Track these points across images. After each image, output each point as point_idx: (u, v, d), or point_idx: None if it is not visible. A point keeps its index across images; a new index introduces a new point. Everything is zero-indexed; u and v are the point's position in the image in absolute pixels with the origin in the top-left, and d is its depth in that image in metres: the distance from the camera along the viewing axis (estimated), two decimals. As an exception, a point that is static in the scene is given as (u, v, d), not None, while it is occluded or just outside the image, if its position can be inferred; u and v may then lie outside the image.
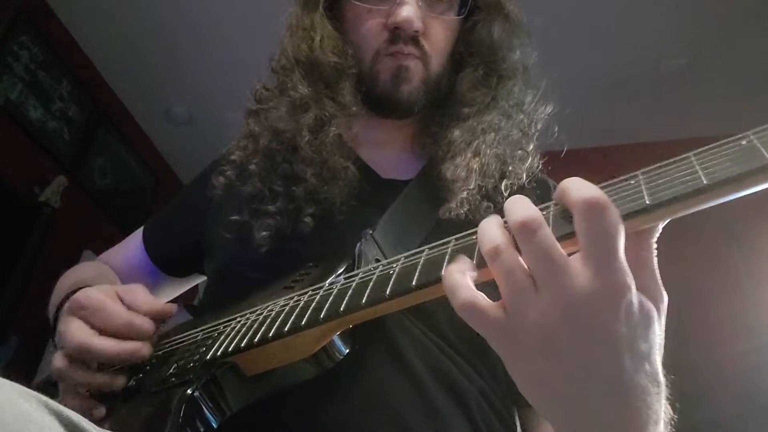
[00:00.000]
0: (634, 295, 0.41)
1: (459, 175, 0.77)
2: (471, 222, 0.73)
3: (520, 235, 0.42)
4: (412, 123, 0.89)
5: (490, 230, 0.44)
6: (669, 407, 0.48)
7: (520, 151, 0.83)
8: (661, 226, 0.44)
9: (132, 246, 1.01)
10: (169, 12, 2.80)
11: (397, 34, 0.80)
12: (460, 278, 0.44)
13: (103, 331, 0.64)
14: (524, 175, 0.81)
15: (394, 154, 0.89)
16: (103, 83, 3.22)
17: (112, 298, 0.67)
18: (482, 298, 0.43)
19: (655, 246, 0.45)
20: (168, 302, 0.71)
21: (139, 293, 0.69)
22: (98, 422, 0.54)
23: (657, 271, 0.44)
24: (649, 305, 0.43)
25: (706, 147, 0.42)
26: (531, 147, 0.85)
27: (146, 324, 0.66)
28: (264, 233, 0.77)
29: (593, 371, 0.41)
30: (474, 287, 0.43)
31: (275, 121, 0.85)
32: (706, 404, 2.55)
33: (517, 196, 0.45)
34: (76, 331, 0.64)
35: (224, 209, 0.84)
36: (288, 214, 0.78)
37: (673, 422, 0.49)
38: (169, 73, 3.14)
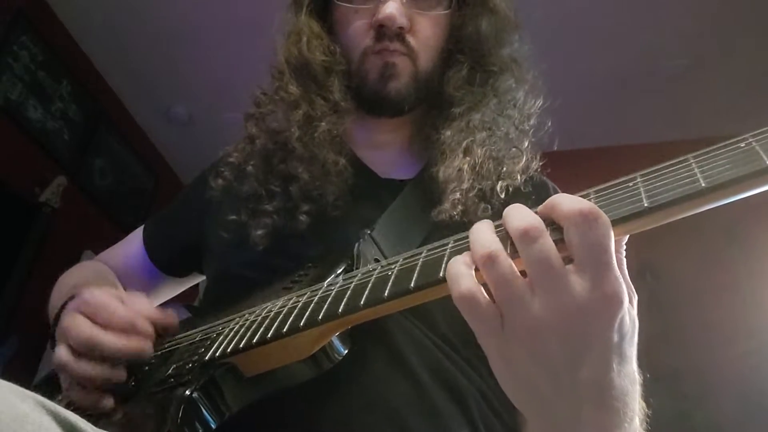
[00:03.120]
0: (627, 305, 0.43)
1: (450, 176, 0.77)
2: (467, 224, 0.73)
3: (521, 242, 0.43)
4: (408, 123, 0.89)
5: (483, 236, 0.45)
6: (643, 403, 0.52)
7: (514, 149, 0.82)
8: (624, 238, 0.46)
9: (131, 245, 1.01)
10: (169, 12, 2.80)
11: (383, 32, 0.81)
12: (464, 269, 0.45)
13: (106, 329, 0.65)
14: (519, 175, 0.81)
15: (393, 155, 0.90)
16: (103, 83, 3.22)
17: (117, 299, 0.68)
18: (482, 293, 0.44)
19: (624, 248, 0.47)
20: (168, 311, 0.71)
21: (141, 300, 0.70)
22: (96, 423, 0.54)
23: (626, 269, 0.46)
24: (634, 312, 0.45)
25: (705, 150, 0.42)
26: (526, 144, 0.84)
27: (147, 326, 0.66)
28: (260, 232, 0.77)
29: (581, 373, 0.43)
30: (476, 281, 0.44)
31: (271, 123, 0.86)
32: (705, 405, 2.55)
33: (517, 204, 0.46)
34: (83, 325, 0.65)
35: (222, 210, 0.84)
36: (284, 213, 0.78)
37: (648, 418, 0.54)
38: (169, 73, 3.14)
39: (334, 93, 0.82)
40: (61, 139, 2.88)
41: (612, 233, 0.42)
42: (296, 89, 0.84)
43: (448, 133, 0.81)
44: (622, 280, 0.42)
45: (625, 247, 0.47)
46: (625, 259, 0.47)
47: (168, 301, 1.04)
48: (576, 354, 0.43)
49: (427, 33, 0.83)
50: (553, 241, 0.43)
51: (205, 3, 2.74)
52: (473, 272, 0.44)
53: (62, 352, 0.65)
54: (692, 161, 0.42)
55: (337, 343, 0.60)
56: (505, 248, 0.44)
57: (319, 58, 0.83)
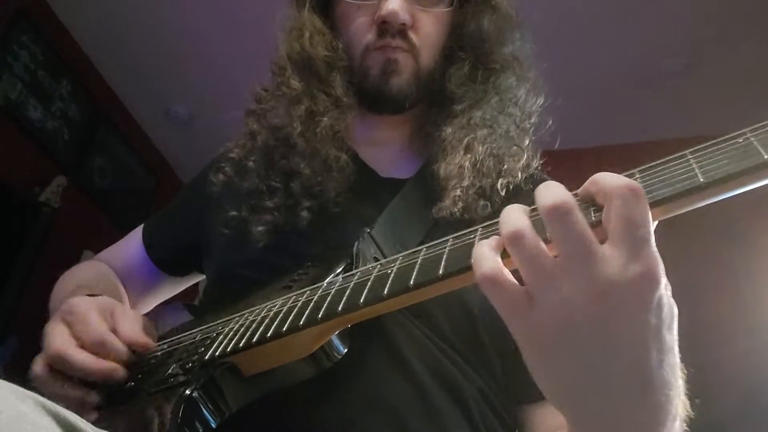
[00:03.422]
0: (665, 286, 0.40)
1: (451, 173, 0.76)
2: (467, 221, 0.73)
3: (551, 218, 0.40)
4: (408, 121, 0.89)
5: (512, 215, 0.43)
6: (687, 403, 0.48)
7: (515, 147, 0.82)
8: (655, 222, 0.43)
9: (131, 245, 1.01)
10: (169, 12, 2.80)
11: (385, 28, 0.81)
12: (488, 250, 0.43)
13: (80, 342, 0.64)
14: (519, 173, 0.80)
15: (393, 153, 0.89)
16: (103, 83, 3.22)
17: (101, 313, 0.67)
18: (506, 273, 0.41)
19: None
20: (149, 337, 0.68)
21: (127, 319, 0.67)
22: (96, 423, 0.54)
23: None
24: (670, 296, 0.42)
25: (703, 145, 0.42)
26: (526, 142, 0.84)
27: (119, 346, 0.64)
28: (260, 228, 0.77)
29: (617, 362, 0.40)
30: (500, 262, 0.42)
31: (272, 118, 0.86)
32: (706, 404, 2.55)
33: (549, 182, 0.43)
34: (57, 337, 0.64)
35: (223, 206, 0.84)
36: (285, 210, 0.78)
37: (688, 420, 0.49)
38: (169, 73, 3.14)
39: (336, 88, 0.82)
40: (60, 139, 2.88)
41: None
42: (298, 84, 0.84)
43: (450, 130, 0.81)
44: (660, 258, 0.40)
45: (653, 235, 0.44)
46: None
47: (168, 300, 1.04)
48: (611, 338, 0.40)
49: (429, 30, 0.84)
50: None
51: (206, 3, 2.74)
52: (497, 255, 0.42)
53: (37, 366, 0.64)
54: (690, 157, 0.42)
55: (336, 342, 0.60)
56: (538, 233, 0.41)
57: (321, 54, 0.83)
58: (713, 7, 2.60)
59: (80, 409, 0.62)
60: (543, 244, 0.41)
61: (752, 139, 0.40)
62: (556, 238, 0.40)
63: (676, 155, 0.43)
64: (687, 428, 0.49)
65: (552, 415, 0.67)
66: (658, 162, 0.44)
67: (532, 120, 0.86)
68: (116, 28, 2.92)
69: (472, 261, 0.43)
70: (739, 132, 0.41)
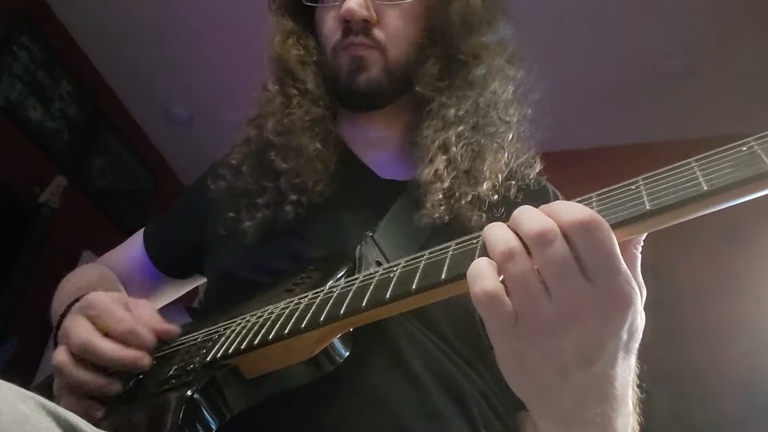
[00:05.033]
0: (639, 304, 0.44)
1: (428, 177, 0.75)
2: (459, 229, 0.72)
3: (536, 245, 0.43)
4: (399, 120, 0.88)
5: (502, 232, 0.45)
6: (637, 390, 0.58)
7: (495, 144, 0.80)
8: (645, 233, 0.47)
9: (133, 248, 1.01)
10: (168, 12, 2.80)
11: (348, 26, 0.81)
12: (489, 267, 0.44)
13: (107, 335, 0.64)
14: (500, 176, 0.78)
15: (390, 155, 0.89)
16: (103, 83, 3.22)
17: (121, 304, 0.68)
18: (504, 293, 0.44)
19: (641, 244, 0.48)
20: (172, 322, 0.71)
21: (146, 307, 0.69)
22: (97, 423, 0.54)
23: (639, 266, 0.48)
24: (643, 312, 0.46)
25: (707, 153, 0.42)
26: (510, 136, 0.82)
27: (149, 335, 0.65)
28: (249, 223, 0.78)
29: (591, 371, 0.45)
30: (499, 280, 0.44)
31: (260, 122, 0.87)
32: (706, 405, 2.55)
33: (527, 206, 0.45)
34: (82, 328, 0.64)
35: (222, 210, 0.84)
36: (275, 206, 0.79)
37: (639, 404, 0.59)
38: (169, 73, 3.14)
39: (308, 83, 0.84)
40: (60, 139, 2.88)
41: (614, 236, 0.42)
42: (274, 85, 0.86)
43: (425, 132, 0.80)
44: (632, 281, 0.43)
45: (642, 243, 0.48)
46: (640, 255, 0.48)
47: (169, 303, 1.04)
48: (589, 353, 0.44)
49: (396, 23, 0.82)
50: None
51: (206, 4, 2.73)
52: (496, 272, 0.44)
53: (60, 354, 0.65)
54: (694, 164, 0.42)
55: (338, 345, 0.60)
56: None
57: (293, 53, 0.85)
58: (713, 8, 2.61)
59: (99, 398, 0.63)
60: (532, 265, 0.43)
61: (756, 147, 0.40)
62: (541, 264, 0.43)
63: (680, 163, 0.43)
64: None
65: None
66: (662, 170, 0.44)
67: (512, 110, 0.84)
68: (116, 28, 2.91)
69: (470, 276, 0.45)
70: (743, 141, 0.41)
